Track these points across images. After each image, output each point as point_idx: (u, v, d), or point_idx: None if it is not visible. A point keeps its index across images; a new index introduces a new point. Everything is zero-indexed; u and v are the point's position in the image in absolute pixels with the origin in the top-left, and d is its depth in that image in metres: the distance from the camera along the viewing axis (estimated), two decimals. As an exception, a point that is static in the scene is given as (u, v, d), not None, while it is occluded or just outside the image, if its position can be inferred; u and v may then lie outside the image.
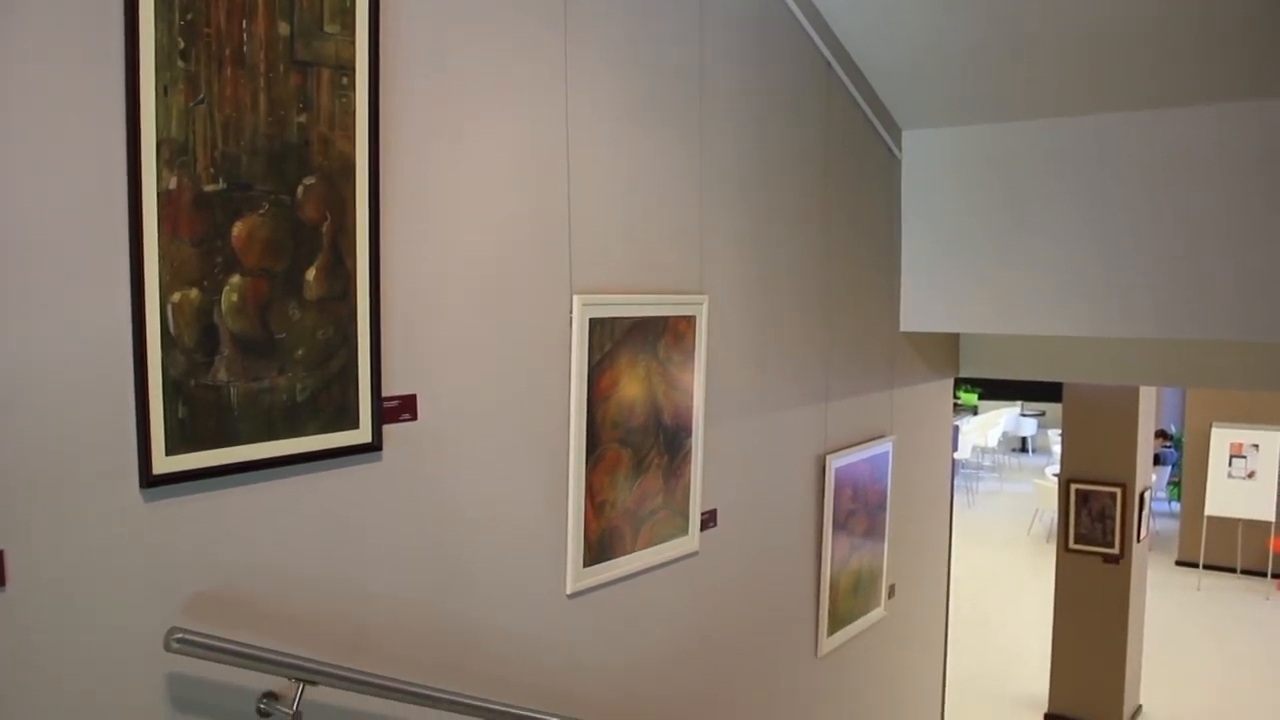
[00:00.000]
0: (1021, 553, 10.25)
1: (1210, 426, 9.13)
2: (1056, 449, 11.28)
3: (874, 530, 3.74)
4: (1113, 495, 6.03)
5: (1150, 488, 6.51)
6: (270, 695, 1.68)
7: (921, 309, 3.78)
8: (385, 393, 1.85)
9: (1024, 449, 16.30)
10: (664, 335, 2.52)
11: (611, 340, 2.36)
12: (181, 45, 1.48)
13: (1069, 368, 4.38)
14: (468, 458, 2.05)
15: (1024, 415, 15.74)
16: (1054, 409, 14.96)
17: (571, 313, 2.24)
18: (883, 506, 3.79)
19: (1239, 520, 8.93)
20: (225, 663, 1.55)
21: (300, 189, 1.66)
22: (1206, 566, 9.23)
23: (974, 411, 15.74)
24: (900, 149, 3.73)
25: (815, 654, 3.43)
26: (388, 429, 1.86)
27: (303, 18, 1.64)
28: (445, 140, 1.94)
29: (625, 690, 2.53)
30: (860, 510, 3.62)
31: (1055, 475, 8.93)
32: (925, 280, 3.75)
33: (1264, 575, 9.07)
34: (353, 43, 1.72)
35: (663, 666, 2.66)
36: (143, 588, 1.52)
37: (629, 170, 2.42)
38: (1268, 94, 2.98)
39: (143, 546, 1.51)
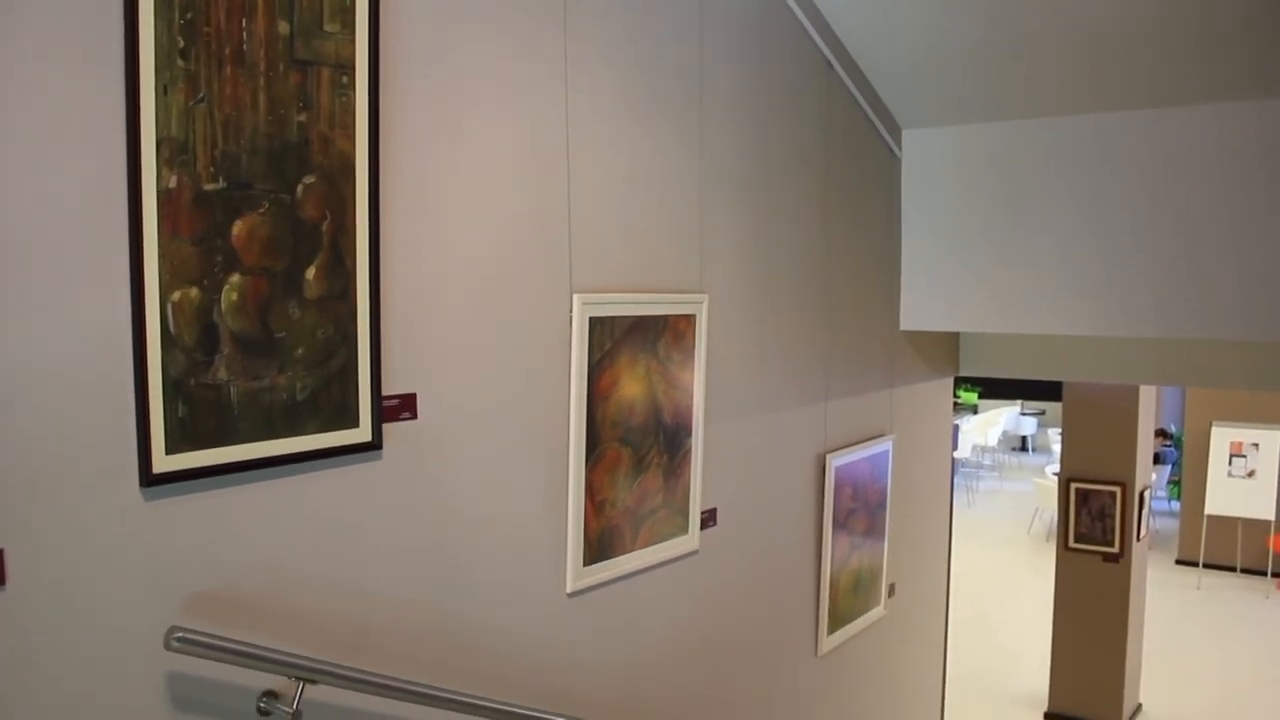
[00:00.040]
0: (1021, 552, 10.25)
1: (1210, 425, 9.13)
2: (1056, 448, 11.27)
3: (874, 529, 3.74)
4: (1113, 494, 6.03)
5: (1150, 487, 6.51)
6: (270, 694, 1.68)
7: (921, 308, 3.77)
8: (385, 392, 1.85)
9: (1024, 448, 16.31)
10: (664, 334, 2.52)
11: (611, 339, 2.36)
12: (181, 44, 1.48)
13: (1069, 367, 4.38)
14: (468, 457, 2.05)
15: (1024, 414, 15.75)
16: (1054, 408, 14.96)
17: (571, 312, 2.24)
18: (883, 505, 3.79)
19: (1239, 519, 8.94)
20: (225, 662, 1.56)
21: (300, 188, 1.66)
22: (1206, 565, 9.23)
23: (974, 410, 15.74)
24: (900, 148, 3.73)
25: (815, 653, 3.43)
26: (387, 428, 1.86)
27: (302, 17, 1.64)
28: (445, 140, 1.94)
29: (625, 689, 2.54)
30: (860, 509, 3.62)
31: (1055, 474, 8.93)
32: (925, 279, 3.75)
33: (1264, 574, 9.07)
34: (353, 42, 1.72)
35: (663, 665, 2.67)
36: (143, 587, 1.52)
37: (629, 170, 2.41)
38: (1268, 93, 2.98)
39: (143, 545, 1.52)
